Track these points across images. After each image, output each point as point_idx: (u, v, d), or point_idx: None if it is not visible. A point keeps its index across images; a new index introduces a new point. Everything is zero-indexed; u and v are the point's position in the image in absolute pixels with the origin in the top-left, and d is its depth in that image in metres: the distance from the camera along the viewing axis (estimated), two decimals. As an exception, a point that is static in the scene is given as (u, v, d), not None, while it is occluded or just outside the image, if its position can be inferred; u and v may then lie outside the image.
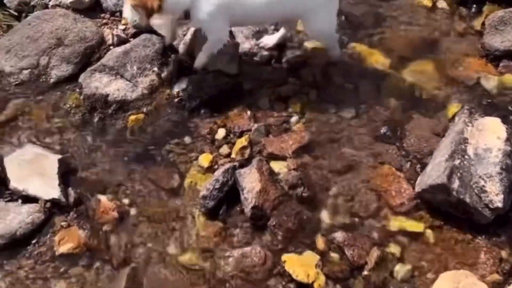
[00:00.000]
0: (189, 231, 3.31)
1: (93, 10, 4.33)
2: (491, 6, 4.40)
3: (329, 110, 3.81)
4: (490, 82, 3.99)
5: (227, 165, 3.43)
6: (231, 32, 4.06)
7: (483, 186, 3.20)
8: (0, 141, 3.65)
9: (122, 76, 3.88)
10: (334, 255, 3.21)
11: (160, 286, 3.13)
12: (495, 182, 3.20)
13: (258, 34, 4.14)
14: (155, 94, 3.85)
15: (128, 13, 3.60)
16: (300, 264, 3.14)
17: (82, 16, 4.26)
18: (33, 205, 3.30)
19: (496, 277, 3.12)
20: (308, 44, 4.14)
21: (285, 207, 3.31)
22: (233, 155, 3.58)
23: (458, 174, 3.25)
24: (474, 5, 4.48)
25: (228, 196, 3.36)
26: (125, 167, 3.57)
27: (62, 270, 3.16)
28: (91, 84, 3.84)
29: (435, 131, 3.68)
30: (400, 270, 3.17)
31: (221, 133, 3.68)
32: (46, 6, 4.33)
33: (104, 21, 4.27)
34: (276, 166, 3.50)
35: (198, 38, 3.94)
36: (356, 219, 3.35)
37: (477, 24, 4.38)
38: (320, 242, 3.25)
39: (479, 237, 3.26)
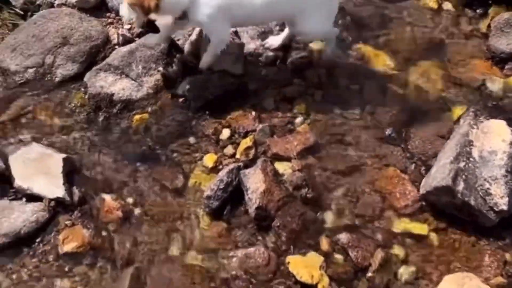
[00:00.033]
0: (193, 231, 3.31)
1: (98, 9, 4.35)
2: (497, 8, 4.39)
3: (334, 111, 3.81)
4: (496, 85, 3.98)
5: (232, 166, 3.44)
6: (236, 33, 4.07)
7: (488, 188, 3.20)
8: (5, 140, 3.65)
9: (127, 76, 3.88)
10: (338, 257, 3.21)
11: (163, 286, 3.13)
12: (500, 185, 3.19)
13: (264, 35, 4.13)
14: (160, 94, 3.86)
15: (125, 12, 3.58)
16: (304, 265, 3.14)
17: (88, 15, 4.27)
18: (38, 204, 3.31)
19: (500, 280, 3.12)
20: (313, 45, 4.13)
21: (289, 208, 3.31)
22: (237, 156, 3.58)
23: (463, 176, 3.25)
24: (480, 7, 4.47)
25: (233, 196, 3.36)
26: (130, 166, 3.57)
27: (66, 269, 3.17)
28: (96, 83, 3.85)
29: (440, 133, 3.68)
30: (404, 272, 3.17)
31: (225, 133, 3.68)
32: (51, 5, 4.35)
33: (110, 20, 4.28)
34: (281, 167, 3.50)
35: (204, 38, 3.94)
36: (361, 221, 3.35)
37: (482, 26, 4.37)
38: (324, 244, 3.25)
39: (484, 240, 3.27)
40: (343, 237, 3.24)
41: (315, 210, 3.36)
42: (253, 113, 3.75)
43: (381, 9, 4.48)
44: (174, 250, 3.24)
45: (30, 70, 3.98)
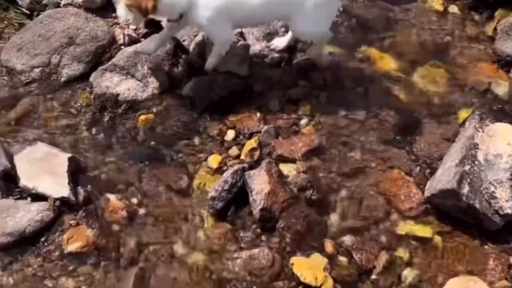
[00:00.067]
0: (197, 232, 3.31)
1: (105, 9, 4.35)
2: (503, 11, 4.37)
3: (339, 113, 3.80)
4: (501, 88, 3.97)
5: (236, 167, 3.43)
6: (242, 34, 4.07)
7: (493, 192, 3.19)
8: (10, 139, 3.65)
9: (132, 76, 3.88)
10: (342, 259, 3.20)
11: (168, 286, 3.13)
12: (505, 188, 3.19)
13: (269, 36, 4.13)
14: (165, 94, 3.86)
15: (122, 13, 3.58)
16: (308, 267, 3.14)
17: (94, 15, 4.27)
18: (43, 203, 3.31)
19: (505, 283, 3.11)
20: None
21: (293, 210, 3.30)
22: (242, 157, 3.58)
23: (468, 179, 3.24)
24: (486, 10, 4.47)
25: (237, 197, 3.35)
26: (135, 166, 3.57)
27: (70, 268, 3.16)
28: (101, 83, 3.85)
29: (445, 136, 3.67)
30: (409, 274, 3.16)
31: (230, 134, 3.68)
32: (58, 5, 4.35)
33: (116, 20, 4.28)
34: (285, 168, 3.49)
35: (208, 39, 3.94)
36: (365, 223, 3.34)
37: (488, 29, 4.37)
38: (329, 245, 3.24)
39: (488, 243, 3.26)
40: (348, 239, 3.24)
41: (319, 212, 3.36)
42: (258, 114, 3.75)
43: (387, 11, 4.48)
44: (179, 251, 3.24)
45: (36, 70, 3.99)
